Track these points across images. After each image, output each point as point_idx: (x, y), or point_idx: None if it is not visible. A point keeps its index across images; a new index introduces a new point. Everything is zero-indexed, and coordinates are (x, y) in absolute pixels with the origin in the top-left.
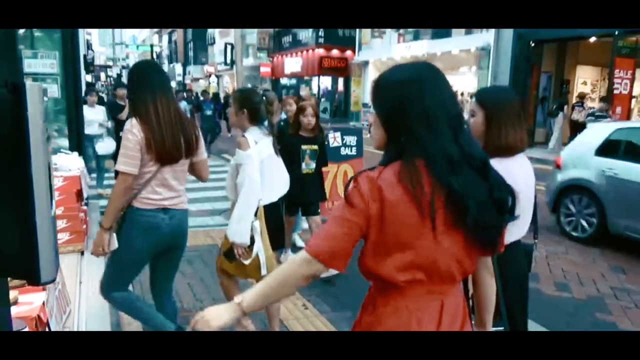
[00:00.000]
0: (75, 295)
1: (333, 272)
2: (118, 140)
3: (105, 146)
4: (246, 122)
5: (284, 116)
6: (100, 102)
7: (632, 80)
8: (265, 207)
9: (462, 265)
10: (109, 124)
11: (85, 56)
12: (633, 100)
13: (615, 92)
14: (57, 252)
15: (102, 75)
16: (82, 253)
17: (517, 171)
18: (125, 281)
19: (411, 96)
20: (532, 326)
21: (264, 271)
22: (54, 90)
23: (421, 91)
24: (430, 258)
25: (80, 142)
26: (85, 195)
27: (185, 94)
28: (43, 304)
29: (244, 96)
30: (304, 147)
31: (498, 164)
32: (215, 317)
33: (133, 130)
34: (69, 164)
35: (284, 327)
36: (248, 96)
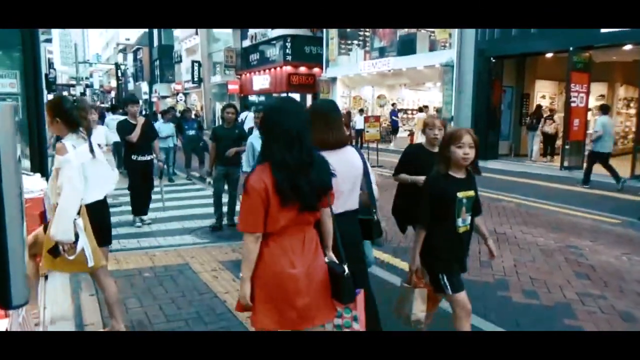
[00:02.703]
0: (40, 320)
1: None
2: (128, 166)
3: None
4: (64, 130)
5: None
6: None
7: (587, 94)
8: (90, 205)
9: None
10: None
11: (47, 75)
12: (589, 113)
13: (573, 105)
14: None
15: (65, 94)
16: (46, 277)
17: (331, 160)
18: None
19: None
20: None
21: (90, 263)
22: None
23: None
24: (293, 214)
25: (42, 164)
26: (48, 217)
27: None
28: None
29: (53, 105)
30: (460, 194)
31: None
32: (242, 295)
33: None
34: (30, 186)
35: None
36: (57, 104)
